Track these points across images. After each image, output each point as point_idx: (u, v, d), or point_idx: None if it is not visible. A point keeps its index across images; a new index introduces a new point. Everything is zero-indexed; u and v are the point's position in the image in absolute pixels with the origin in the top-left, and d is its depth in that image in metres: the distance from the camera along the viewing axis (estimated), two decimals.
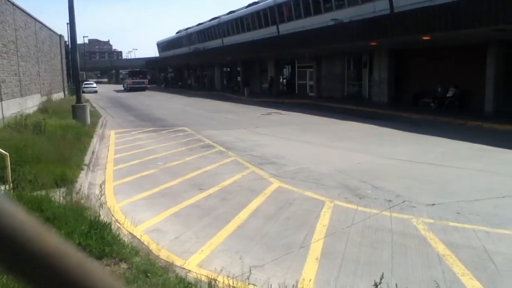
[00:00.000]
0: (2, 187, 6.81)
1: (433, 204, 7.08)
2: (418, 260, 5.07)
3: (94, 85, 58.01)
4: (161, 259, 5.06)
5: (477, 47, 20.69)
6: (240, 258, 5.17)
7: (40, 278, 0.39)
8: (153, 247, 5.44)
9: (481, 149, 12.10)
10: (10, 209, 0.39)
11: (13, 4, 18.54)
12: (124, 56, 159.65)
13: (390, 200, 7.33)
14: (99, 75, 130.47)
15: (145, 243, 5.60)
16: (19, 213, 0.40)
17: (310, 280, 4.58)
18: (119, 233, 5.56)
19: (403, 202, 7.24)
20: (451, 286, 4.45)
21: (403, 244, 5.52)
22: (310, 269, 4.87)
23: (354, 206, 7.06)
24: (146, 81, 57.14)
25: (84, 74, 51.40)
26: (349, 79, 32.85)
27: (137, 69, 62.02)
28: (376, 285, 3.87)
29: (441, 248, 5.36)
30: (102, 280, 0.41)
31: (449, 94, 22.49)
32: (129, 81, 56.29)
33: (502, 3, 15.31)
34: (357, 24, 24.23)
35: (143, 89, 54.37)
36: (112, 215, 6.72)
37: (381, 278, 3.92)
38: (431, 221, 6.31)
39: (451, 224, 6.18)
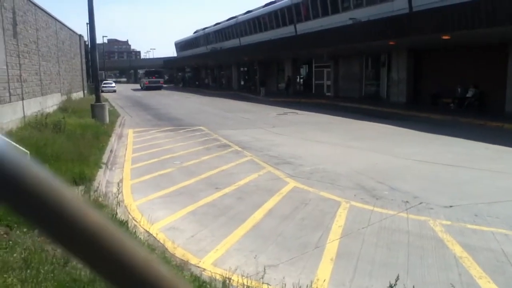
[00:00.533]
0: None
1: (451, 206, 6.99)
2: (435, 262, 5.02)
3: (113, 84, 58.71)
4: (177, 257, 5.10)
5: (497, 47, 20.35)
6: (254, 258, 5.18)
7: (87, 250, 0.41)
8: (168, 245, 5.49)
9: (501, 150, 11.89)
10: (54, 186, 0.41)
11: (35, 4, 18.87)
12: (142, 56, 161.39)
13: (407, 201, 7.26)
14: (118, 74, 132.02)
15: (161, 241, 5.65)
16: (65, 189, 0.42)
17: (324, 281, 4.57)
18: (135, 231, 5.63)
19: (420, 203, 7.17)
20: None
21: (420, 246, 5.46)
22: (324, 270, 4.86)
23: (371, 207, 7.02)
24: (161, 80, 59.88)
25: (103, 74, 52.77)
26: (366, 79, 32.60)
27: (153, 69, 64.62)
28: (391, 286, 3.85)
29: (458, 250, 5.29)
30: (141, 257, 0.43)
31: (469, 94, 22.16)
32: (145, 80, 58.64)
33: None
34: (375, 23, 24.06)
35: (158, 88, 56.85)
36: (129, 213, 6.80)
37: (397, 280, 3.89)
38: (449, 223, 6.23)
39: (469, 226, 6.10)
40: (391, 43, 23.55)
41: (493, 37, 19.14)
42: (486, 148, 12.16)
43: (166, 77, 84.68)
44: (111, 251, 0.42)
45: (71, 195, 0.42)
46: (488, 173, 9.25)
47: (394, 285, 3.84)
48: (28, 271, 3.78)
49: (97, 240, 0.41)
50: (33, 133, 11.54)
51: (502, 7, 15.84)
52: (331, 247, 5.48)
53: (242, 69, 53.59)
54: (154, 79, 58.30)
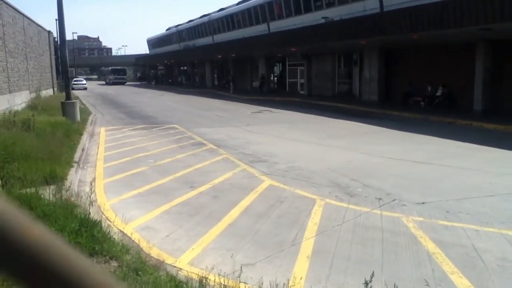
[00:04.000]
0: None
1: (423, 203, 7.14)
2: (408, 258, 5.11)
3: (84, 81, 57.70)
4: (152, 257, 5.04)
5: (465, 46, 20.92)
6: (231, 256, 5.17)
7: (25, 270, 0.39)
8: (143, 245, 5.42)
9: (470, 147, 12.22)
10: None
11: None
12: (114, 52, 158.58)
13: (380, 198, 7.37)
14: (88, 71, 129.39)
15: (136, 241, 5.57)
16: (2, 204, 0.39)
17: (301, 278, 4.59)
18: (109, 231, 5.53)
19: (393, 200, 7.29)
20: (440, 284, 4.49)
21: (394, 242, 5.56)
22: (301, 267, 4.88)
23: (345, 204, 7.10)
24: (125, 77, 73.83)
25: (74, 71, 53.04)
26: (339, 77, 32.98)
27: (119, 67, 75.83)
28: (366, 283, 3.89)
29: (431, 246, 5.40)
30: (88, 270, 0.41)
31: (439, 93, 22.67)
32: (112, 77, 71.48)
33: (490, 2, 15.46)
34: (347, 23, 24.33)
35: (122, 83, 68.96)
36: (103, 213, 6.68)
37: (372, 276, 3.94)
38: (421, 219, 6.36)
39: (441, 222, 6.24)
40: (362, 42, 23.87)
41: (461, 37, 19.63)
42: (455, 146, 12.47)
43: (139, 75, 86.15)
44: (59, 274, 0.39)
45: (46, 234, 0.39)
46: (458, 170, 9.49)
47: (370, 281, 3.89)
48: None
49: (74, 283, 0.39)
50: (1, 131, 11.20)
51: (469, 9, 16.26)
52: (307, 244, 5.51)
53: (215, 67, 53.37)
54: (119, 76, 71.34)
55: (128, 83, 72.60)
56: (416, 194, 7.64)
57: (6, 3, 19.53)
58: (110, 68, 76.19)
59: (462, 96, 21.65)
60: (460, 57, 21.73)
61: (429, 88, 23.03)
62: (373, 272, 4.03)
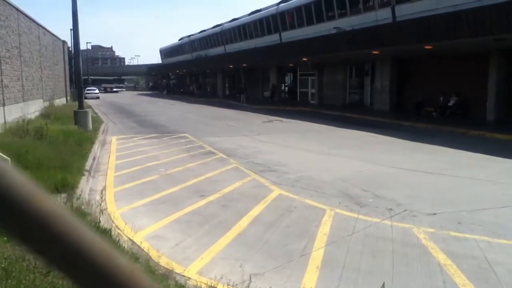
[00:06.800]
0: None
1: (434, 214, 7.06)
2: (419, 270, 5.05)
3: (97, 91, 58.32)
4: (161, 266, 5.04)
5: (479, 56, 20.75)
6: (240, 266, 5.14)
7: (37, 238, 0.39)
8: (153, 253, 5.43)
9: (483, 158, 12.08)
10: (3, 169, 0.39)
11: (18, 9, 18.64)
12: (126, 62, 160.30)
13: (391, 209, 7.31)
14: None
15: (145, 249, 5.58)
16: (13, 173, 0.40)
17: None
18: (119, 239, 5.55)
19: (404, 211, 7.22)
20: None
21: (404, 254, 5.49)
22: (310, 278, 4.84)
23: (355, 215, 7.04)
24: (123, 85, 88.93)
25: (89, 80, 54.22)
26: (351, 87, 32.93)
27: (116, 77, 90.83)
28: None
29: (442, 258, 5.33)
30: (95, 244, 0.41)
31: (451, 103, 22.51)
32: (113, 85, 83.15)
33: (504, 13, 15.36)
34: (359, 33, 24.33)
35: (121, 91, 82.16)
36: (113, 221, 6.71)
37: None
38: (432, 230, 6.29)
39: (452, 233, 6.16)
40: (374, 52, 23.84)
41: (474, 47, 19.51)
42: (468, 157, 12.34)
43: (151, 84, 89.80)
44: (94, 263, 0.40)
45: (54, 205, 0.40)
46: (471, 181, 9.37)
47: None
48: (9, 281, 3.69)
49: (80, 252, 0.40)
50: (14, 139, 11.35)
51: (484, 19, 16.18)
52: (317, 255, 5.47)
53: (227, 76, 53.64)
54: (119, 85, 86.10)
55: (137, 92, 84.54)
56: (428, 204, 7.56)
57: (23, 14, 19.88)
58: (112, 78, 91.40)
59: (475, 106, 21.47)
60: (473, 67, 21.57)
61: (441, 98, 22.88)
62: (383, 284, 3.99)
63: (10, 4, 17.25)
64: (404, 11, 23.93)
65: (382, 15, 26.15)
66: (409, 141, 15.17)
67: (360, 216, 6.96)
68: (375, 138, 16.34)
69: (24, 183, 0.39)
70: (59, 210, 0.40)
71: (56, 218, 0.40)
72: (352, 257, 5.41)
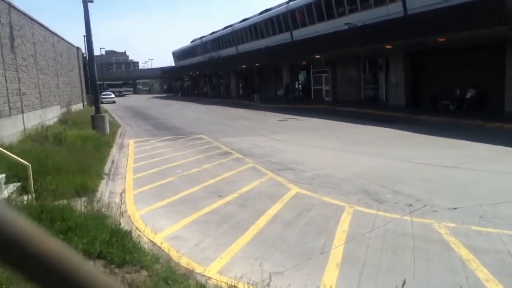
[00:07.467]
0: (25, 197, 6.94)
1: (455, 208, 6.97)
2: (441, 265, 4.99)
3: (112, 95, 59.02)
4: (182, 266, 5.07)
5: (494, 47, 20.42)
6: (260, 265, 5.16)
7: (40, 278, 0.41)
8: (173, 254, 5.47)
9: (502, 150, 11.89)
10: (6, 214, 0.40)
11: (32, 19, 18.94)
12: (140, 66, 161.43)
13: (410, 205, 7.24)
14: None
15: (166, 250, 5.63)
16: (16, 217, 0.41)
17: (331, 287, 4.54)
18: (139, 241, 5.60)
19: (424, 206, 7.15)
20: None
21: (425, 249, 5.44)
22: (330, 276, 4.83)
23: (374, 211, 7.00)
24: (131, 89, 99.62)
25: (104, 84, 55.04)
26: (365, 82, 32.70)
27: (123, 82, 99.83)
28: None
29: (464, 252, 5.27)
30: (99, 280, 0.43)
31: (468, 95, 22.20)
32: (122, 89, 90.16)
33: None
34: (371, 27, 24.15)
35: (129, 94, 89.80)
36: (133, 223, 6.78)
37: (403, 284, 3.87)
38: (453, 225, 6.21)
39: (474, 228, 6.08)
40: (387, 46, 23.64)
41: (489, 38, 19.20)
42: (487, 149, 12.16)
43: (165, 87, 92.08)
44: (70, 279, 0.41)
45: (57, 245, 0.41)
46: (491, 174, 9.24)
47: None
48: None
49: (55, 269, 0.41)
50: (34, 145, 11.54)
51: (496, 8, 15.91)
52: (336, 252, 5.45)
53: (240, 76, 53.73)
54: (127, 88, 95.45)
55: (151, 95, 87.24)
56: (448, 199, 7.47)
57: (37, 23, 20.20)
58: (121, 82, 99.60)
59: (492, 98, 21.13)
60: (489, 58, 21.22)
61: (458, 91, 22.58)
62: (404, 280, 3.96)
63: (24, 14, 17.54)
64: (416, 4, 23.67)
65: (394, 9, 25.92)
66: (426, 135, 15.01)
67: (379, 213, 6.91)
68: (392, 133, 16.20)
69: (26, 225, 0.41)
70: (63, 250, 0.42)
71: (60, 258, 0.41)
72: (372, 253, 5.38)
